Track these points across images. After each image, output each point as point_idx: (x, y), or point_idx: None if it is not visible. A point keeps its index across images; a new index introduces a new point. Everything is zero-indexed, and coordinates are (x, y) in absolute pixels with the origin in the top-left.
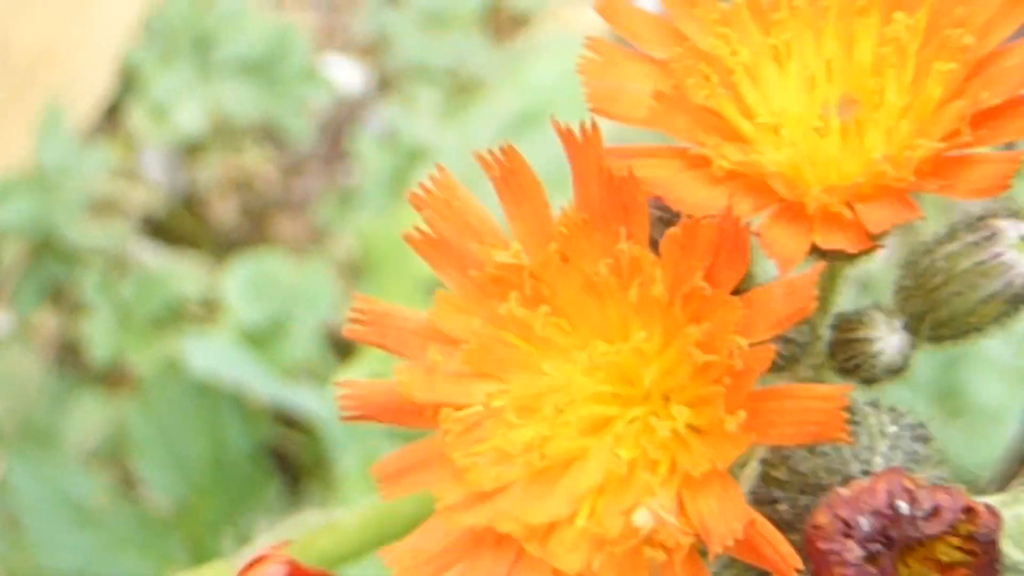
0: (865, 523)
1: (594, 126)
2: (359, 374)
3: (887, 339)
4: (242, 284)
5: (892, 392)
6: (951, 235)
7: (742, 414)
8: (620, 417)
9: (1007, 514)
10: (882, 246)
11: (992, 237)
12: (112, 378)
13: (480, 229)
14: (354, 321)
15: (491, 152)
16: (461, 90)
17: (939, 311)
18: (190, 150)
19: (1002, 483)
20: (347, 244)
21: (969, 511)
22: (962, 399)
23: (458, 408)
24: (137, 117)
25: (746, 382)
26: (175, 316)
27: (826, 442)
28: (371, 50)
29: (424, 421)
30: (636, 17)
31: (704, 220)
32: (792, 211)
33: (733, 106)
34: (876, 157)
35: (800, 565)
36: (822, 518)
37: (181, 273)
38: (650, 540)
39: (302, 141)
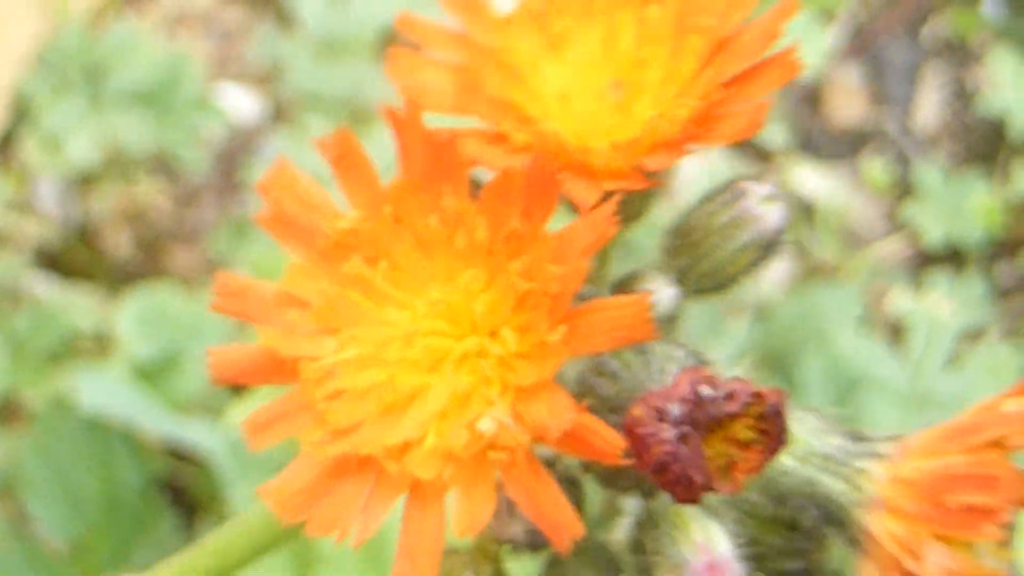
0: (675, 408)
1: (414, 102)
2: (252, 407)
3: (661, 291)
4: (134, 318)
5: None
6: (708, 198)
7: (563, 328)
8: (456, 349)
9: None
10: (660, 183)
11: (742, 195)
12: (6, 413)
13: (322, 205)
14: (217, 295)
15: (327, 136)
16: (356, 119)
17: (702, 263)
18: (84, 181)
19: None
20: (246, 274)
21: (758, 395)
22: (859, 426)
23: (314, 360)
24: (30, 148)
25: (563, 301)
26: (70, 350)
27: (638, 343)
28: (265, 79)
29: (286, 376)
30: (430, 29)
31: (517, 169)
32: (583, 167)
33: (521, 92)
34: (650, 116)
35: (623, 444)
36: (638, 410)
37: (75, 306)
38: (493, 445)
39: (196, 171)
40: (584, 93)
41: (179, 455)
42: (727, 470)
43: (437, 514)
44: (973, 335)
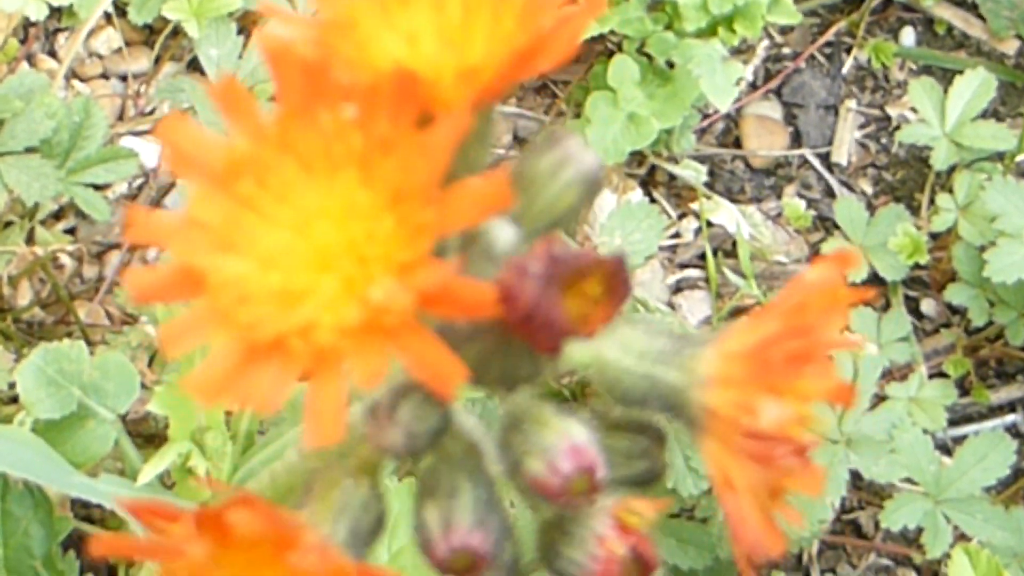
0: (535, 266)
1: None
2: (164, 465)
3: (502, 230)
4: (36, 380)
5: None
6: (529, 152)
7: (433, 209)
8: (341, 243)
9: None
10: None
11: (560, 140)
12: None
13: (213, 141)
14: (128, 227)
15: (217, 83)
16: None
17: (534, 204)
18: None
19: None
20: (152, 330)
21: (601, 258)
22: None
23: (219, 272)
24: None
25: (432, 187)
26: None
27: (497, 212)
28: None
29: (196, 291)
30: (289, 14)
31: (383, 81)
32: (432, 98)
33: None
34: (485, 50)
35: (493, 296)
36: (504, 273)
37: None
38: (382, 312)
39: (104, 221)
40: (423, 42)
41: (92, 518)
42: (582, 321)
43: (338, 381)
44: (900, 373)
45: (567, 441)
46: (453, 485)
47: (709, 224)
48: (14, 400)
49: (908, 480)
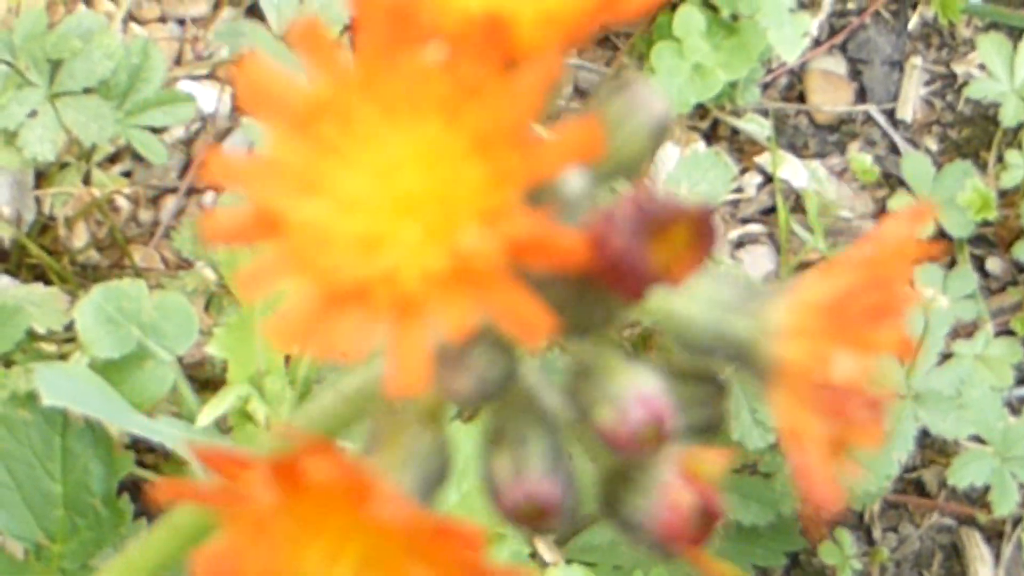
0: (623, 212)
1: None
2: (222, 408)
3: (572, 176)
4: (95, 317)
5: None
6: (599, 96)
7: (521, 154)
8: (424, 189)
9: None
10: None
11: (628, 84)
12: None
13: (292, 82)
14: (207, 171)
15: (298, 24)
16: None
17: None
18: (40, 177)
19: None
20: (209, 274)
21: (687, 208)
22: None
23: (298, 214)
24: None
25: (520, 132)
26: (33, 355)
27: (588, 160)
28: (225, 73)
29: (272, 232)
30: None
31: (473, 25)
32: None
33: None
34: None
35: (582, 241)
36: (589, 222)
37: (34, 306)
38: (471, 260)
39: (160, 165)
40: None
41: (143, 461)
42: (668, 269)
43: (422, 330)
44: (967, 331)
45: (637, 389)
46: (522, 433)
47: (776, 178)
48: (68, 342)
49: (974, 439)
